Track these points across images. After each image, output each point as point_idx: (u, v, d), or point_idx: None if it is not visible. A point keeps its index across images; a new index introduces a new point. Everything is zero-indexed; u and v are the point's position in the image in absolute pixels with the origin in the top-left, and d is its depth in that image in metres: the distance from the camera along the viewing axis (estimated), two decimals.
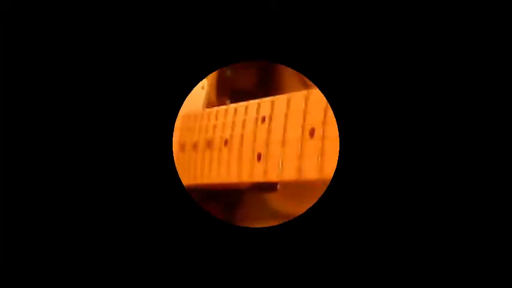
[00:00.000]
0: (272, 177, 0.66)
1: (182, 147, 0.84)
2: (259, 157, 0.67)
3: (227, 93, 0.78)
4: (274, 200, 0.86)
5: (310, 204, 0.80)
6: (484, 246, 0.51)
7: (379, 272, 0.60)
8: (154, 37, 0.75)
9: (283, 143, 0.64)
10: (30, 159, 0.75)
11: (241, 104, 0.72)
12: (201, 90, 0.84)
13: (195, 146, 0.80)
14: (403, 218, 0.54)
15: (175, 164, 0.85)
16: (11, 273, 0.75)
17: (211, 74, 0.82)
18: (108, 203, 0.75)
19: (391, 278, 0.58)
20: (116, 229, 0.75)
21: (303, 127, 0.61)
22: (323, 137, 0.58)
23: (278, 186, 0.80)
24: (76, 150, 0.76)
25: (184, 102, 0.87)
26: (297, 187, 0.83)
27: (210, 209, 0.86)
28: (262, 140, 0.67)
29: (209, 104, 0.82)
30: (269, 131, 0.66)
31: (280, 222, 0.85)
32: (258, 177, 0.67)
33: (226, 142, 0.73)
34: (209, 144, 0.77)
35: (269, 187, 0.80)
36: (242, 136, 0.70)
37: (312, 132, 0.60)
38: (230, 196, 0.87)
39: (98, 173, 0.76)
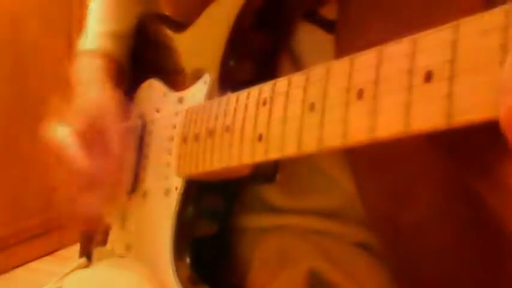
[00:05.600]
0: (273, 155, 0.68)
1: (185, 139, 0.86)
2: (260, 138, 0.69)
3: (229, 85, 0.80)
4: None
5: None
6: None
7: None
8: None
9: (284, 120, 0.66)
10: None
11: (243, 91, 0.74)
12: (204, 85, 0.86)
13: (196, 137, 0.83)
14: None
15: (178, 157, 0.87)
16: None
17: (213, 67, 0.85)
18: None
19: None
20: None
21: (303, 102, 0.63)
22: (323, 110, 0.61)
23: (277, 176, 0.81)
24: None
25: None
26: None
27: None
28: (263, 121, 0.69)
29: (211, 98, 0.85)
30: (270, 111, 0.68)
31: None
32: (259, 157, 0.69)
33: (227, 128, 0.75)
34: (211, 133, 0.79)
35: (267, 176, 0.81)
36: (243, 120, 0.72)
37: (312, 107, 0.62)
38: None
39: None
